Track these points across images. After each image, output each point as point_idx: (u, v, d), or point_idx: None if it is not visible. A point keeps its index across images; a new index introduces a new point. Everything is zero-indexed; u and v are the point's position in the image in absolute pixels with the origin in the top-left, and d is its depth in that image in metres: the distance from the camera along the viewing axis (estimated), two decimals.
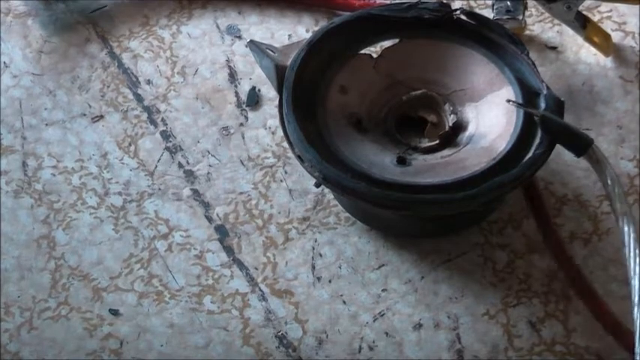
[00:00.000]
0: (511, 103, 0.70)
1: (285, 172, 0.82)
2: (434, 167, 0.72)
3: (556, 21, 0.85)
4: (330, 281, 0.77)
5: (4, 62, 0.90)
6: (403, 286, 0.76)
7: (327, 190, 0.80)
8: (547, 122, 0.69)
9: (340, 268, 0.77)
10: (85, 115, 0.86)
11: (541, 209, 0.76)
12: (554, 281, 0.75)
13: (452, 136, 0.75)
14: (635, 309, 0.64)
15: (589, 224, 0.77)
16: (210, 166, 0.83)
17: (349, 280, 0.77)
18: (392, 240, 0.78)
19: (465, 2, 0.89)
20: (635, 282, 0.65)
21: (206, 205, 0.81)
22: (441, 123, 0.76)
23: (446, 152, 0.74)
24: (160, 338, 0.76)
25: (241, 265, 0.78)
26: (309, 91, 0.73)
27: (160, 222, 0.81)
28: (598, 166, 0.68)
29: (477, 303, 0.75)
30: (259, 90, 0.86)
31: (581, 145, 0.69)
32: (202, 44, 0.89)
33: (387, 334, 0.75)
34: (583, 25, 0.82)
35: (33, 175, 0.84)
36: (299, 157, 0.71)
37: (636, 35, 0.85)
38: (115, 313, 0.77)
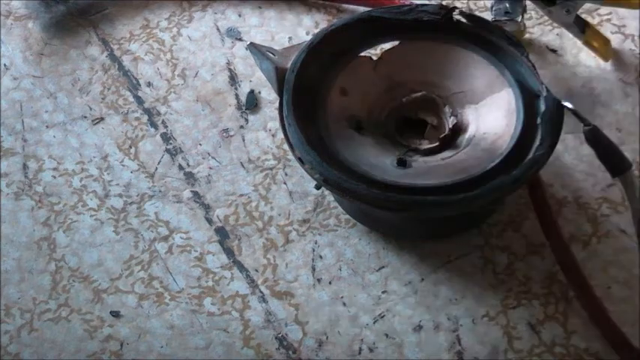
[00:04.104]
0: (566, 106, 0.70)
1: (286, 174, 0.82)
2: (434, 169, 0.72)
3: (556, 24, 0.85)
4: (330, 283, 0.77)
5: (5, 64, 0.90)
6: (403, 288, 0.76)
7: (327, 192, 0.80)
8: (595, 135, 0.69)
9: (340, 269, 0.78)
10: (85, 117, 0.87)
11: (545, 209, 0.76)
12: (554, 283, 0.75)
13: (452, 138, 0.75)
14: None
15: (588, 226, 0.77)
16: (210, 168, 0.83)
17: (349, 281, 0.77)
18: (392, 242, 0.78)
19: (464, 5, 0.89)
20: None
21: (206, 207, 0.81)
22: (440, 125, 0.76)
23: (446, 154, 0.74)
24: (161, 340, 0.76)
25: (241, 267, 0.78)
26: (309, 93, 0.74)
27: (161, 224, 0.81)
28: (631, 190, 0.69)
29: (477, 305, 0.75)
30: (259, 92, 0.86)
31: (620, 166, 0.69)
32: (202, 47, 0.89)
33: (387, 335, 0.75)
34: (582, 29, 0.82)
35: (34, 177, 0.84)
36: (299, 159, 0.71)
37: (636, 38, 0.86)
38: (115, 314, 0.77)
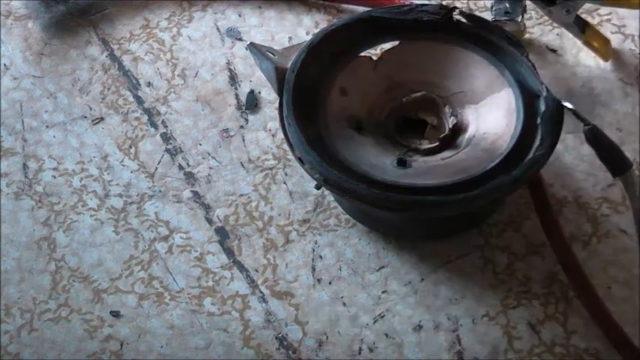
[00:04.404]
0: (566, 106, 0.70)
1: (286, 174, 0.82)
2: (434, 169, 0.72)
3: (556, 24, 0.85)
4: (330, 283, 0.77)
5: (5, 64, 0.90)
6: (403, 288, 0.76)
7: (327, 192, 0.80)
8: (595, 135, 0.69)
9: (340, 269, 0.78)
10: (85, 117, 0.87)
11: (546, 208, 0.76)
12: (554, 283, 0.75)
13: (452, 138, 0.75)
14: None
15: (588, 226, 0.77)
16: (210, 168, 0.83)
17: (349, 281, 0.77)
18: (392, 242, 0.78)
19: (464, 5, 0.89)
20: None
21: (206, 207, 0.81)
22: (440, 125, 0.76)
23: (446, 154, 0.74)
24: (161, 340, 0.76)
25: (241, 267, 0.78)
26: (309, 93, 0.74)
27: (161, 224, 0.81)
28: (631, 189, 0.69)
29: (477, 305, 0.75)
30: (259, 92, 0.86)
31: (620, 165, 0.69)
32: (202, 47, 0.89)
33: (387, 335, 0.75)
34: (582, 29, 0.82)
35: (34, 177, 0.84)
36: (299, 159, 0.71)
37: (636, 38, 0.86)
38: (115, 314, 0.77)
